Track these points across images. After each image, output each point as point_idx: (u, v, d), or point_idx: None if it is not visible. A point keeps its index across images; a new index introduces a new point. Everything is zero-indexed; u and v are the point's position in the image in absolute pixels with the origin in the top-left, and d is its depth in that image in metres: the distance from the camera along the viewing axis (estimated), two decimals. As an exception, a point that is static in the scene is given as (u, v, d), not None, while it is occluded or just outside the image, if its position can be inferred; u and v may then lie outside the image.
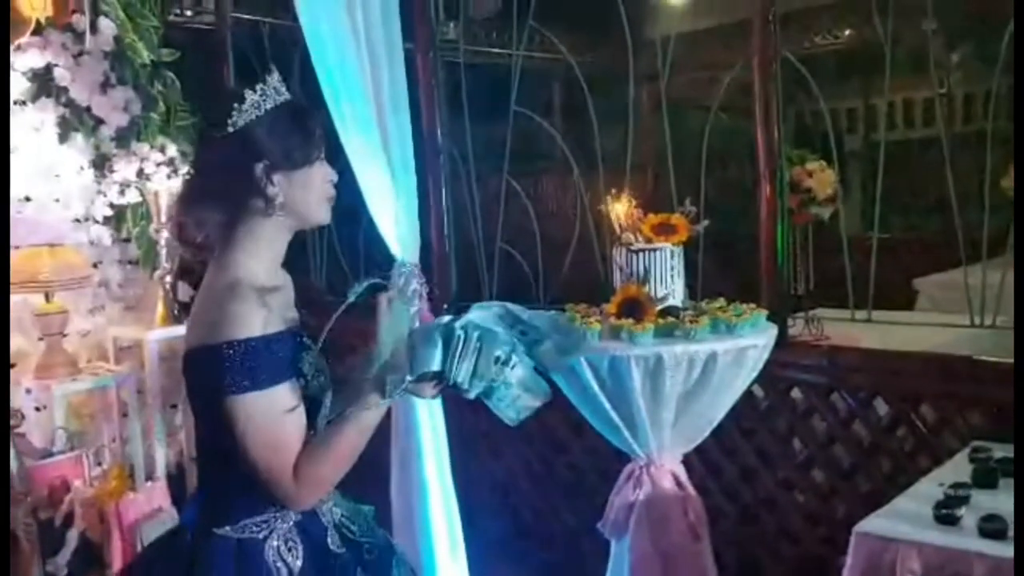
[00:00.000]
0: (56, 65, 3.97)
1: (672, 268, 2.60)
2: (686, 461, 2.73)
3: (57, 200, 4.05)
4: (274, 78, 1.61)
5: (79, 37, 3.97)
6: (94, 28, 3.97)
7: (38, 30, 3.84)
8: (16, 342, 3.96)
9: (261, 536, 1.58)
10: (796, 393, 3.04)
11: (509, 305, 1.62)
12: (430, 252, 3.65)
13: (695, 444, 2.66)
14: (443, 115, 3.66)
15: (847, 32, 6.44)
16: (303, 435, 1.54)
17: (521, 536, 3.63)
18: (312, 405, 1.59)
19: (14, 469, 3.20)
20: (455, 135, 3.71)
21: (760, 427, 3.08)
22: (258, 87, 1.58)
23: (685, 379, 2.41)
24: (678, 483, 2.60)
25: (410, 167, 2.84)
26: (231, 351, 1.48)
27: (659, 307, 2.52)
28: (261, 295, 1.54)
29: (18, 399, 3.84)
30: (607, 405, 2.48)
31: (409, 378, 1.51)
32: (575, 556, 3.36)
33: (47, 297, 3.85)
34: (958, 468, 2.30)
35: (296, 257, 4.32)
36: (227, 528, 1.58)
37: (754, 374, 2.57)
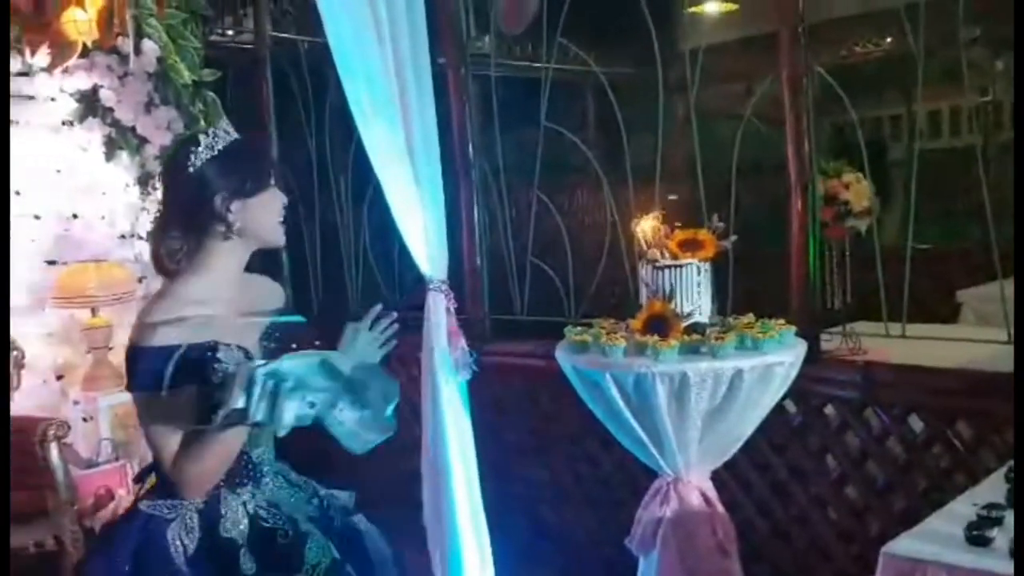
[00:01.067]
0: (102, 86, 4.10)
1: (698, 284, 2.60)
2: (717, 476, 2.72)
3: (103, 217, 4.17)
4: (222, 122, 1.91)
5: (124, 59, 4.08)
6: (138, 50, 4.08)
7: (85, 53, 3.96)
8: (64, 355, 4.08)
9: (168, 516, 1.81)
10: (829, 409, 3.01)
11: (328, 356, 1.79)
12: (462, 267, 3.69)
13: (723, 461, 2.66)
14: (474, 129, 3.69)
15: (888, 40, 6.35)
16: (177, 437, 1.77)
17: (550, 549, 3.64)
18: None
19: (60, 478, 3.30)
20: (486, 149, 3.74)
21: (792, 443, 3.05)
22: (209, 131, 1.90)
23: (711, 396, 2.41)
24: (706, 500, 2.60)
25: (438, 184, 2.87)
26: (132, 355, 1.79)
27: (685, 323, 2.52)
28: (183, 308, 1.79)
29: (65, 410, 3.96)
30: (633, 421, 2.49)
31: (223, 412, 1.70)
32: (604, 571, 3.36)
33: (93, 312, 3.96)
34: (994, 487, 2.25)
35: (334, 273, 4.39)
36: (146, 503, 1.84)
37: (783, 391, 2.56)
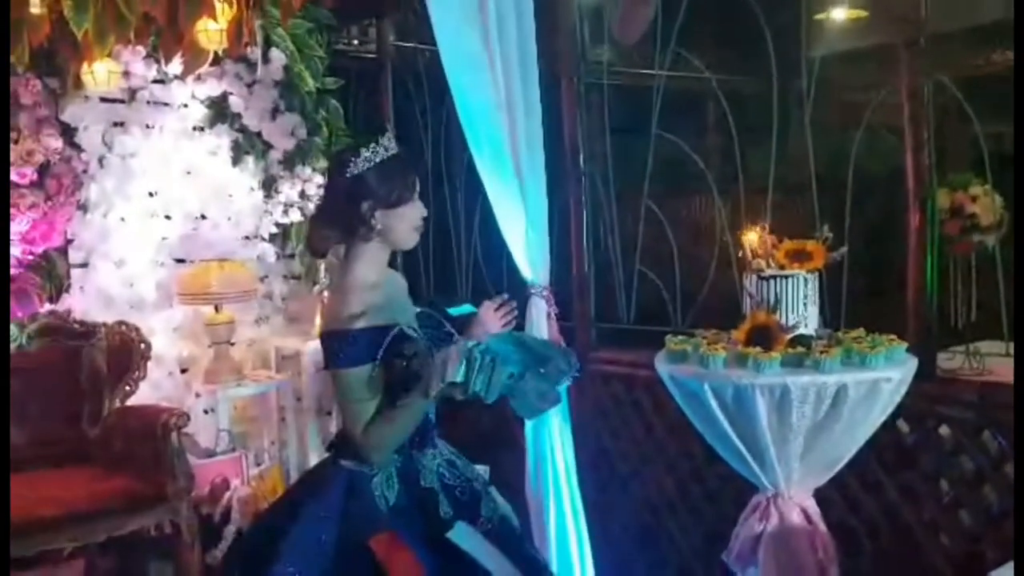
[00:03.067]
0: (231, 94, 4.29)
1: (805, 296, 2.53)
2: (823, 495, 2.65)
3: (229, 218, 4.37)
4: (386, 137, 2.14)
5: (252, 67, 4.27)
6: (266, 59, 4.25)
7: (215, 61, 4.15)
8: (188, 349, 4.29)
9: (370, 472, 2.09)
10: (944, 430, 2.88)
11: (519, 334, 2.14)
12: (569, 274, 3.70)
13: (826, 479, 2.58)
14: (585, 137, 3.70)
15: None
16: (373, 405, 2.03)
17: (649, 560, 3.60)
18: (413, 380, 2.03)
19: (179, 466, 3.46)
20: (597, 158, 3.75)
21: (904, 464, 2.93)
22: (371, 145, 2.10)
23: (813, 411, 2.35)
24: (807, 517, 2.52)
25: (541, 192, 2.90)
26: (329, 338, 2.06)
27: (789, 336, 2.47)
28: (363, 297, 2.06)
29: (189, 402, 4.15)
30: (732, 434, 2.44)
31: (441, 384, 1.95)
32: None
33: (216, 308, 4.14)
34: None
35: (444, 275, 4.46)
36: (348, 461, 2.10)
37: (890, 409, 2.46)
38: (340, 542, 2.01)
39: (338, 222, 2.14)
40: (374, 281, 2.12)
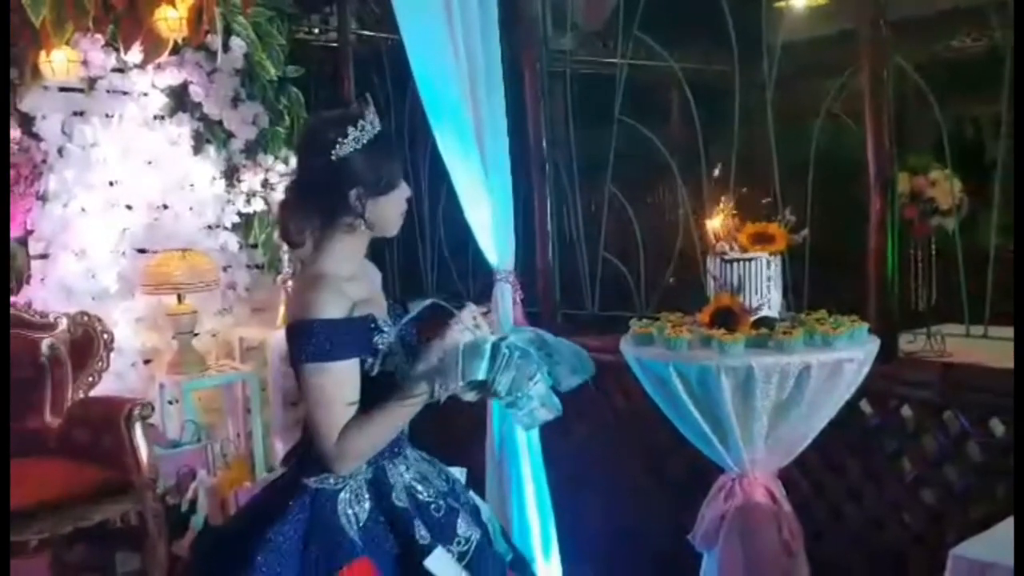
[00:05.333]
0: (191, 82, 4.25)
1: (768, 278, 2.55)
2: (789, 477, 2.67)
3: (191, 208, 4.32)
4: (371, 111, 1.86)
5: (212, 56, 4.23)
6: (226, 47, 4.21)
7: (175, 50, 4.11)
8: (151, 340, 4.25)
9: (336, 488, 1.83)
10: (906, 411, 2.92)
11: (539, 330, 1.87)
12: (533, 261, 3.70)
13: (791, 459, 2.60)
14: (549, 125, 3.70)
15: (987, 35, 6.11)
16: (351, 408, 1.77)
17: (615, 543, 3.62)
18: (386, 379, 1.82)
19: (144, 456, 3.42)
20: (561, 145, 3.75)
21: (868, 445, 2.97)
22: (359, 123, 1.83)
23: (777, 391, 2.37)
24: (772, 497, 2.55)
25: (506, 177, 2.91)
26: (305, 327, 1.75)
27: (753, 318, 2.49)
28: (339, 286, 1.80)
29: (152, 393, 4.12)
30: (696, 415, 2.46)
31: (460, 383, 1.72)
32: (670, 566, 3.33)
33: (179, 298, 4.10)
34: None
35: (410, 263, 4.44)
36: (311, 479, 1.83)
37: (852, 389, 2.49)
38: (306, 568, 1.76)
39: (319, 210, 1.87)
40: (351, 273, 1.88)
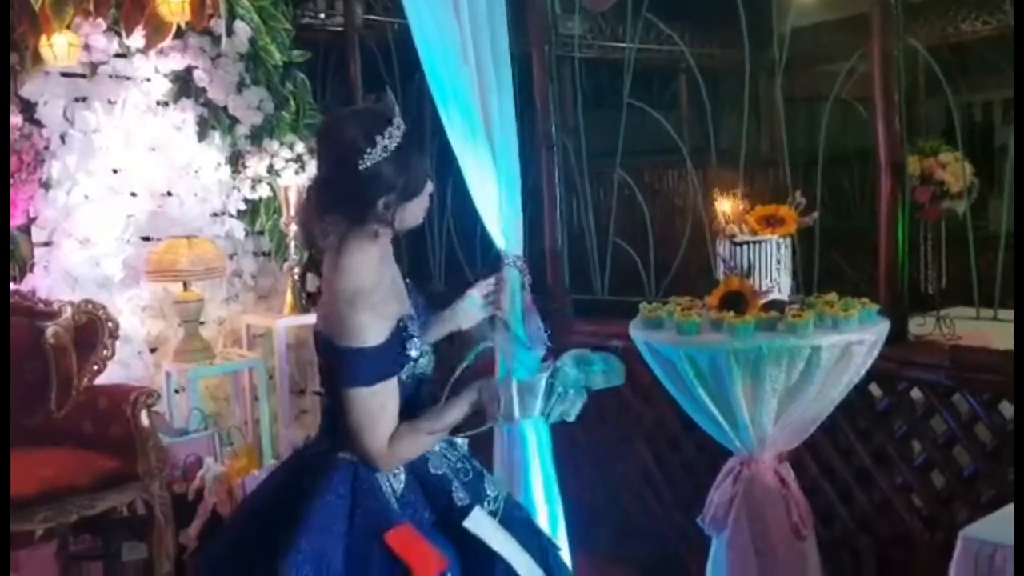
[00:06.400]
0: (196, 67, 4.22)
1: (778, 261, 2.54)
2: (798, 460, 2.65)
3: (196, 195, 4.30)
4: (396, 114, 1.83)
5: (216, 40, 4.20)
6: (230, 32, 4.18)
7: (179, 34, 4.08)
8: (157, 328, 4.24)
9: None
10: (916, 393, 2.91)
11: (583, 351, 1.93)
12: (543, 246, 3.68)
13: (800, 441, 2.59)
14: (558, 109, 3.68)
15: (999, 18, 6.05)
16: (395, 422, 1.84)
17: (625, 529, 3.62)
18: (420, 383, 1.91)
19: (149, 445, 3.41)
20: (568, 129, 3.73)
21: (877, 427, 2.96)
22: (387, 131, 1.80)
23: (787, 374, 2.36)
24: (781, 480, 2.54)
25: (514, 161, 2.88)
26: (349, 355, 1.79)
27: (763, 301, 2.47)
28: (373, 302, 1.80)
29: (159, 381, 4.11)
30: (706, 398, 2.45)
31: (518, 417, 1.86)
32: (680, 551, 3.33)
33: (185, 286, 4.09)
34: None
35: (418, 249, 4.43)
36: (348, 454, 1.86)
37: (862, 371, 2.48)
38: (352, 534, 1.81)
39: (345, 217, 1.84)
40: (380, 277, 1.87)
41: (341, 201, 1.84)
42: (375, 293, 1.82)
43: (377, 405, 1.80)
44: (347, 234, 1.84)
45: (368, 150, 1.78)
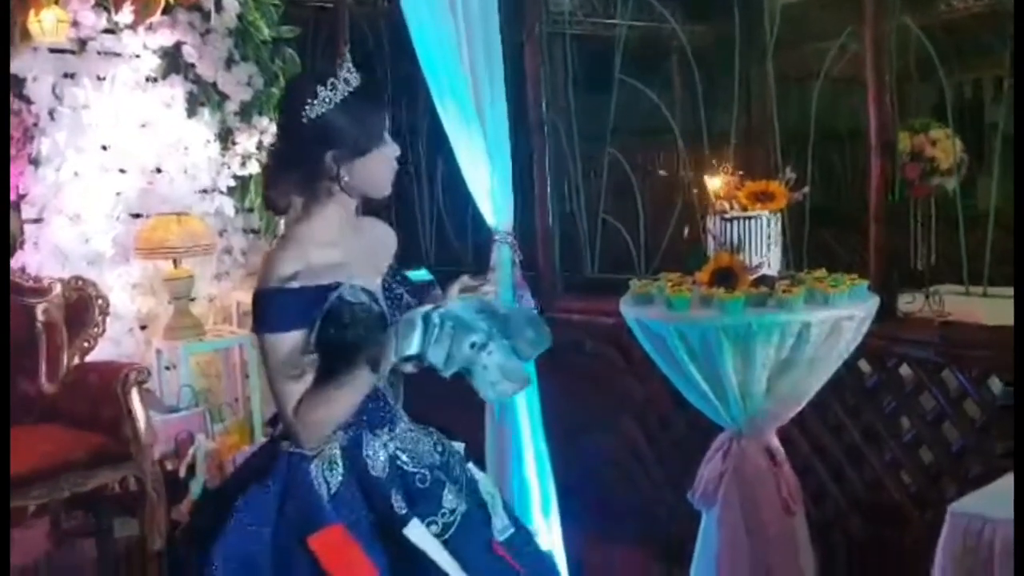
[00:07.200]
0: (184, 43, 4.19)
1: (768, 237, 2.53)
2: (788, 436, 2.66)
3: (185, 172, 4.28)
4: (345, 68, 1.76)
5: (205, 16, 4.17)
6: (219, 7, 4.15)
7: (167, 10, 4.04)
8: (147, 305, 4.23)
9: (310, 455, 1.78)
10: (905, 370, 2.92)
11: (487, 299, 1.80)
12: (533, 223, 3.68)
13: (790, 417, 2.60)
14: (548, 87, 3.67)
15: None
16: (306, 381, 1.73)
17: (616, 507, 3.64)
18: (353, 351, 1.75)
19: (141, 422, 3.41)
20: (559, 107, 3.72)
21: (866, 404, 2.98)
22: (329, 81, 1.73)
23: (777, 349, 2.36)
24: (771, 456, 2.55)
25: (504, 138, 2.88)
26: (256, 297, 1.74)
27: (753, 276, 2.47)
28: (301, 250, 1.74)
29: (149, 358, 4.10)
30: (697, 374, 2.45)
31: (393, 359, 1.66)
32: (670, 527, 3.35)
33: (175, 263, 4.08)
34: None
35: (408, 227, 4.42)
36: (286, 443, 1.79)
37: (852, 347, 2.49)
38: (275, 543, 1.72)
39: (297, 175, 1.81)
40: (331, 239, 1.80)
41: (290, 156, 1.81)
42: (317, 247, 1.76)
43: (283, 356, 1.70)
44: (306, 194, 1.81)
45: (310, 100, 1.73)
